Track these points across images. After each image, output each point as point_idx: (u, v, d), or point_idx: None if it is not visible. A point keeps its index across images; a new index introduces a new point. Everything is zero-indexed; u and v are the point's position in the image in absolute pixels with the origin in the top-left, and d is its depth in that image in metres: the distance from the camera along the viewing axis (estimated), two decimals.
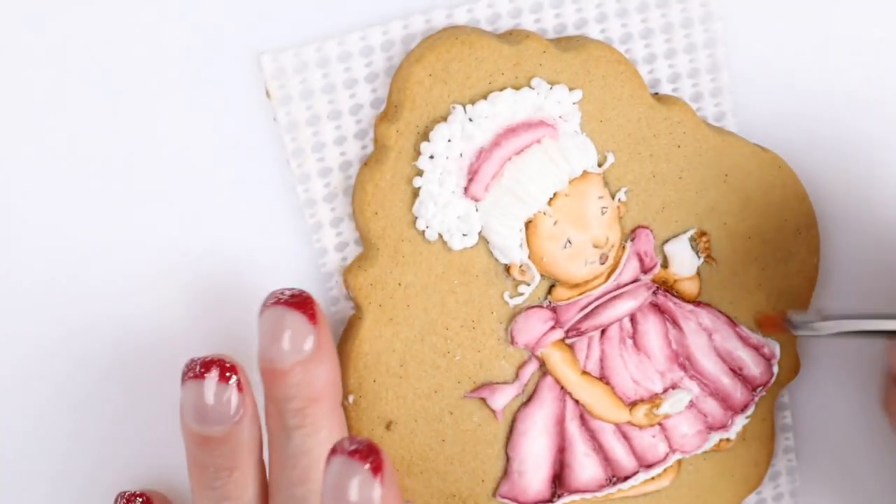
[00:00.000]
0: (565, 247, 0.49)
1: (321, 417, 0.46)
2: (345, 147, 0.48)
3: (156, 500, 0.49)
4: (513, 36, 0.48)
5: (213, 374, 0.45)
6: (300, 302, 0.45)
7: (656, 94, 0.50)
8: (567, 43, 0.48)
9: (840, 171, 0.52)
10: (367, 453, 0.42)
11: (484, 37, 0.47)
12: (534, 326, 0.50)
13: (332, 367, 0.46)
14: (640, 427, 0.51)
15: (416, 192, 0.48)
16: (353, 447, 0.42)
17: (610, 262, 0.50)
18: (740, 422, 0.53)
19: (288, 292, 0.45)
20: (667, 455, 0.52)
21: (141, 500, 0.49)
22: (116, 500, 0.49)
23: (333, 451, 0.42)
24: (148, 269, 0.48)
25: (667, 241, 0.51)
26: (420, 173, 0.47)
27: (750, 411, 0.53)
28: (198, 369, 0.45)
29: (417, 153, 0.47)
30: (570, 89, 0.48)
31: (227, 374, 0.45)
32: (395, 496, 0.42)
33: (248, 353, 0.48)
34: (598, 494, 0.52)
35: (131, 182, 0.48)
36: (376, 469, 0.42)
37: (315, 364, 0.45)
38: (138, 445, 0.50)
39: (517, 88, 0.48)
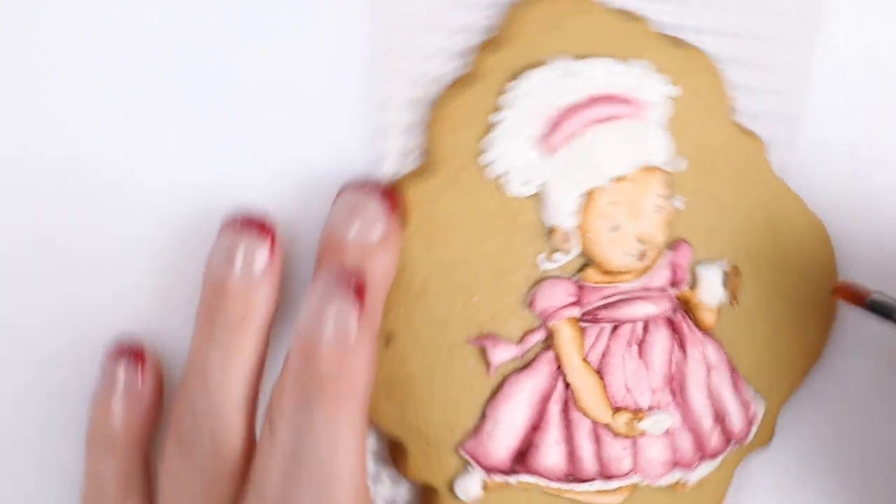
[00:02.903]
0: (613, 230, 0.49)
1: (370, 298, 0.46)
2: (440, 61, 0.48)
3: (149, 357, 0.49)
4: (629, 15, 0.49)
5: (252, 229, 0.46)
6: (384, 191, 0.47)
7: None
8: (675, 41, 0.50)
9: (876, 258, 0.53)
10: (351, 278, 0.43)
11: (603, 5, 0.48)
12: (556, 295, 0.50)
13: (392, 263, 0.47)
14: (616, 434, 0.51)
15: (494, 125, 0.48)
16: (338, 272, 0.43)
17: (646, 261, 0.50)
18: (705, 468, 0.52)
19: (373, 181, 0.47)
20: (628, 473, 0.52)
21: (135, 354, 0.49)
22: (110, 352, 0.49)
23: (320, 274, 0.44)
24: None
25: (702, 263, 0.51)
26: (504, 109, 0.48)
27: (718, 461, 0.53)
28: (238, 222, 0.46)
29: (509, 88, 0.48)
30: (669, 84, 0.49)
31: (265, 233, 0.46)
32: (370, 334, 0.44)
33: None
34: (552, 485, 0.51)
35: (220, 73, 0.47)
36: (359, 294, 0.43)
37: (380, 252, 0.46)
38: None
39: (619, 62, 0.48)
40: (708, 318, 0.51)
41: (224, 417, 0.47)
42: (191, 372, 0.47)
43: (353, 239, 0.46)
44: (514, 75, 0.47)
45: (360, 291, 0.44)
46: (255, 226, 0.47)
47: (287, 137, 0.49)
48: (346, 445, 0.45)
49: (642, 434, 0.51)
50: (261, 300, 0.47)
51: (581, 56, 0.48)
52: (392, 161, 0.49)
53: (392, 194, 0.47)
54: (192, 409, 0.47)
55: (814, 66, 0.51)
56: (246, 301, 0.46)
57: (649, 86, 0.49)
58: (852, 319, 0.54)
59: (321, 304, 0.44)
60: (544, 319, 0.50)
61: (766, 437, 0.53)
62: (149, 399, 0.49)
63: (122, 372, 0.49)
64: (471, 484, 0.50)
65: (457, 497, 0.50)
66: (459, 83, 0.48)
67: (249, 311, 0.46)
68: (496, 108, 0.48)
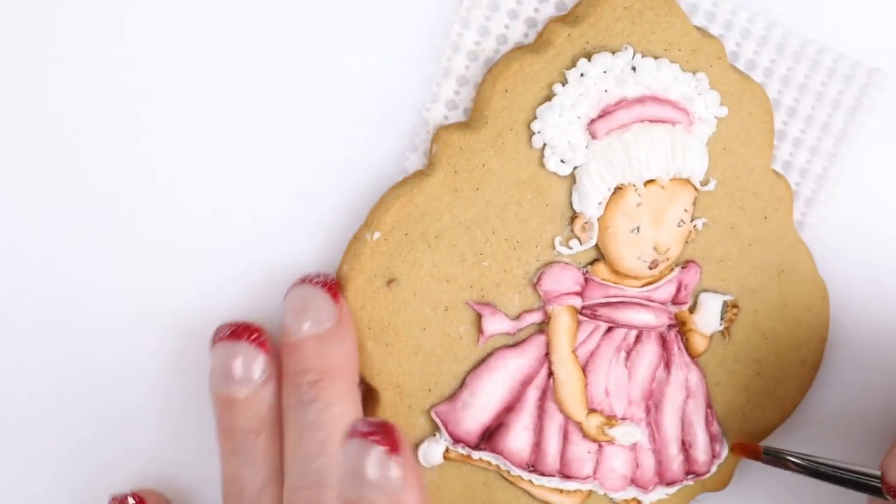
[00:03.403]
0: (632, 231, 0.49)
1: (336, 392, 0.47)
2: (512, 23, 0.49)
3: (150, 500, 0.50)
4: (706, 32, 0.50)
5: (242, 337, 0.47)
6: (326, 284, 0.48)
7: None
8: (741, 73, 0.50)
9: (867, 326, 0.54)
10: (383, 433, 0.42)
11: (683, 12, 0.49)
12: (564, 280, 0.49)
13: (350, 346, 0.48)
14: (585, 435, 0.51)
15: (549, 97, 0.48)
16: (367, 429, 0.42)
17: (655, 272, 0.50)
18: (659, 494, 0.52)
19: (317, 275, 0.48)
20: (587, 478, 0.51)
21: (134, 500, 0.49)
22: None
23: (348, 434, 0.42)
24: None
25: (706, 290, 0.51)
26: (563, 83, 0.48)
27: (673, 490, 0.52)
28: (227, 332, 0.48)
29: (573, 64, 0.48)
30: (722, 105, 0.50)
31: (255, 336, 0.47)
32: (415, 477, 0.42)
33: None
34: (512, 470, 0.50)
35: None
36: (393, 448, 0.42)
37: (333, 340, 0.47)
38: (141, 439, 0.51)
39: (683, 70, 0.49)
40: (699, 344, 0.52)
41: None
42: (227, 488, 0.48)
43: (307, 336, 0.47)
44: (586, 53, 0.48)
45: (390, 436, 0.42)
46: (245, 334, 0.48)
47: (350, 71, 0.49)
48: None
49: (610, 441, 0.51)
50: (270, 406, 0.48)
51: (651, 53, 0.48)
52: (441, 108, 0.49)
53: (334, 285, 0.48)
54: None
55: (853, 131, 0.52)
56: (257, 413, 0.48)
57: (705, 102, 0.49)
58: (826, 388, 0.54)
59: (359, 464, 0.42)
60: (545, 302, 0.49)
61: (723, 480, 0.53)
62: None
63: None
64: (435, 450, 0.50)
65: (416, 460, 0.50)
66: (527, 48, 0.48)
67: (262, 421, 0.48)
68: (559, 80, 0.48)
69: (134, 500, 0.50)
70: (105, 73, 0.48)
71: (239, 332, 0.48)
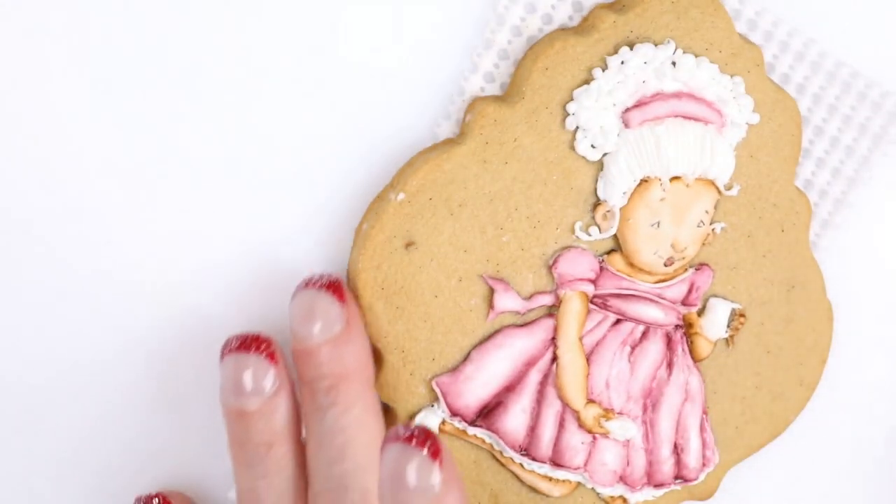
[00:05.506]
0: (653, 225, 0.49)
1: (353, 395, 0.47)
2: (559, 4, 0.49)
3: (174, 500, 0.49)
4: (748, 40, 0.50)
5: (251, 349, 0.47)
6: (330, 285, 0.47)
7: None
8: (777, 85, 0.50)
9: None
10: (424, 438, 0.41)
11: (728, 15, 0.49)
12: (580, 265, 0.49)
13: (361, 347, 0.47)
14: (580, 425, 0.50)
15: (587, 81, 0.48)
16: (407, 433, 0.41)
17: (669, 270, 0.50)
18: (646, 494, 0.52)
19: (319, 277, 0.47)
20: (577, 468, 0.51)
21: (158, 500, 0.49)
22: None
23: (387, 438, 0.41)
24: None
25: (716, 295, 0.51)
26: (603, 68, 0.48)
27: (660, 493, 0.52)
28: (235, 344, 0.47)
29: (614, 51, 0.48)
30: (755, 111, 0.50)
31: (264, 347, 0.47)
32: (455, 480, 0.41)
33: None
34: (505, 451, 0.50)
35: None
36: (434, 454, 0.40)
37: (344, 343, 0.47)
38: (161, 442, 0.51)
39: (721, 72, 0.49)
40: (703, 349, 0.52)
41: None
42: (241, 502, 0.48)
43: (318, 340, 0.47)
44: (629, 42, 0.48)
45: (431, 440, 0.41)
46: (253, 346, 0.47)
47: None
48: None
49: (605, 434, 0.51)
50: (282, 418, 0.47)
51: (692, 50, 0.49)
52: (478, 79, 0.49)
53: (338, 284, 0.47)
54: None
55: (876, 158, 0.52)
56: (268, 426, 0.47)
57: (739, 106, 0.49)
58: (820, 413, 0.54)
59: (400, 470, 0.40)
60: (559, 285, 0.49)
61: (709, 490, 0.53)
62: None
63: None
64: (431, 421, 0.50)
65: (454, 461, 0.49)
66: (571, 30, 0.48)
67: (275, 433, 0.47)
68: (600, 65, 0.48)
69: (159, 500, 0.49)
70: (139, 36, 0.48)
71: (248, 343, 0.47)
